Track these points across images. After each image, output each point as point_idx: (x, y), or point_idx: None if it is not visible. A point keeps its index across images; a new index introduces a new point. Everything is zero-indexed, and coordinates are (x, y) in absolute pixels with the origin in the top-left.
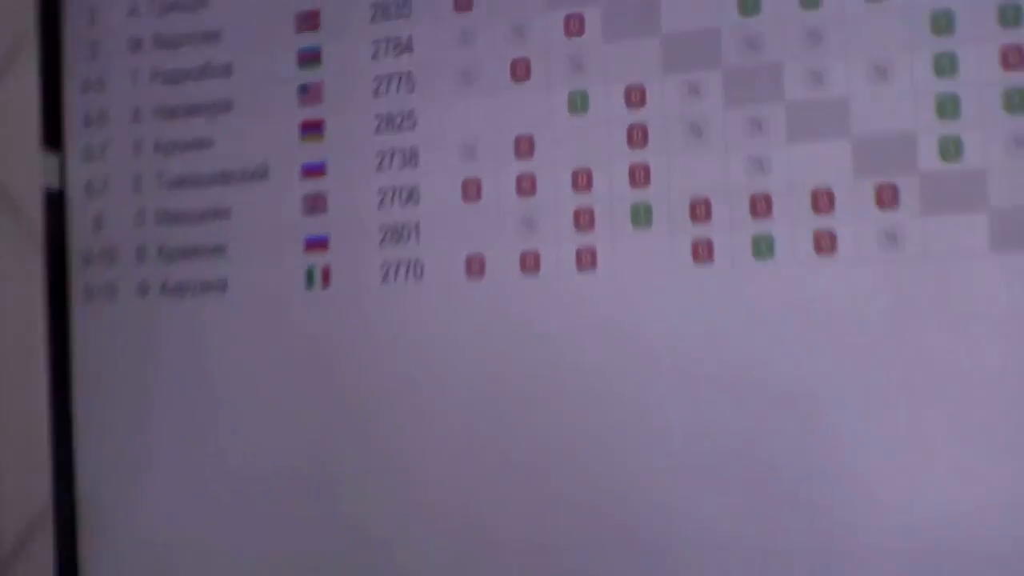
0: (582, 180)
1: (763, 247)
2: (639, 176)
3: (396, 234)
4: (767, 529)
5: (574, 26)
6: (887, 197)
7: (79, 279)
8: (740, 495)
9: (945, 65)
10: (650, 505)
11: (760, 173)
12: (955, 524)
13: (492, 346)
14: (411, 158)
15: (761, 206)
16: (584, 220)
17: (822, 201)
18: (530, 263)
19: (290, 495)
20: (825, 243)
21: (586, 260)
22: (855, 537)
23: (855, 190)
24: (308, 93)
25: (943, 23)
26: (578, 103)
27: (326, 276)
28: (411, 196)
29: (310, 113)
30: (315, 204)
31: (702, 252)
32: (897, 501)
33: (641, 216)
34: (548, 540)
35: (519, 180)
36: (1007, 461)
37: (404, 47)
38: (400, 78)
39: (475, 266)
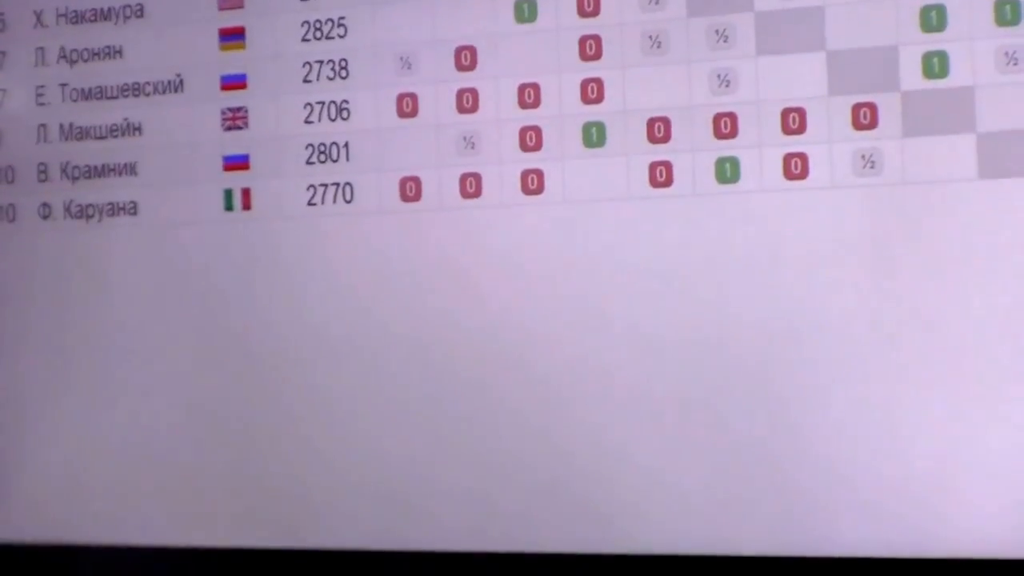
0: (529, 96)
1: (727, 170)
2: (592, 92)
3: (324, 153)
4: (728, 482)
5: None
6: (865, 117)
7: None
8: (700, 442)
9: None
10: (598, 453)
11: (725, 90)
12: (925, 479)
13: (428, 276)
14: (341, 69)
15: (726, 126)
16: (531, 139)
17: (793, 121)
18: (471, 186)
19: (203, 436)
20: (795, 167)
21: (532, 183)
22: (818, 490)
23: (830, 109)
24: None
25: None
26: (525, 11)
27: (246, 198)
28: (341, 111)
29: (230, 19)
30: (235, 120)
31: (660, 175)
32: (864, 453)
33: (593, 136)
34: (488, 489)
35: (460, 95)
36: (985, 412)
37: None
38: None
39: (410, 189)
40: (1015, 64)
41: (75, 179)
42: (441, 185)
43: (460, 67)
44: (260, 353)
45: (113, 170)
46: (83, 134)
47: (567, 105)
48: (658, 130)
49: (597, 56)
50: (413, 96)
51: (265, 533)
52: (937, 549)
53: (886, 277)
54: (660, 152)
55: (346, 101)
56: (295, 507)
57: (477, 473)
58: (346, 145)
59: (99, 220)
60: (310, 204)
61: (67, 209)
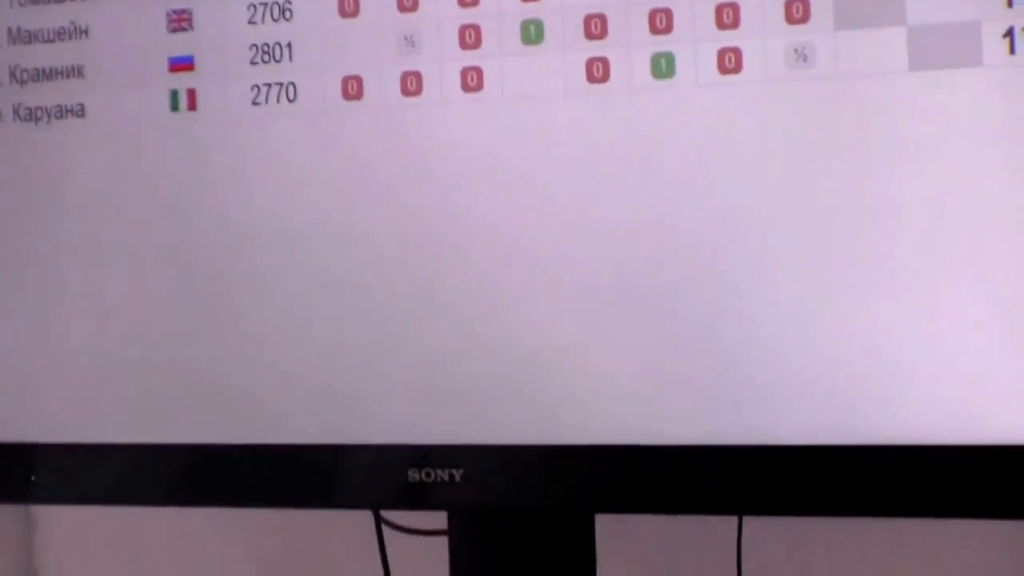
0: None
1: (663, 66)
2: None
3: (268, 53)
4: (670, 372)
5: None
6: (797, 11)
7: None
8: (642, 333)
9: None
10: (542, 343)
11: None
12: (862, 362)
13: (370, 173)
14: None
15: (661, 21)
16: (470, 37)
17: (727, 15)
18: (411, 84)
19: (153, 334)
20: (730, 61)
21: (472, 81)
22: (757, 379)
23: (763, 3)
24: None
25: None
26: None
27: (192, 99)
28: (284, 12)
29: None
30: (180, 21)
31: (597, 71)
32: (800, 343)
33: (532, 33)
34: (431, 380)
35: None
36: (920, 300)
37: None
38: None
39: (352, 88)
40: None
41: (24, 82)
42: (382, 84)
43: None
44: (206, 249)
45: (61, 73)
46: (31, 37)
47: (506, 3)
48: (595, 26)
49: None
50: None
51: (212, 429)
52: (876, 436)
53: (819, 169)
54: (597, 48)
55: (289, 2)
56: (244, 402)
57: (419, 365)
58: (289, 45)
59: (48, 123)
60: (254, 104)
61: (16, 112)
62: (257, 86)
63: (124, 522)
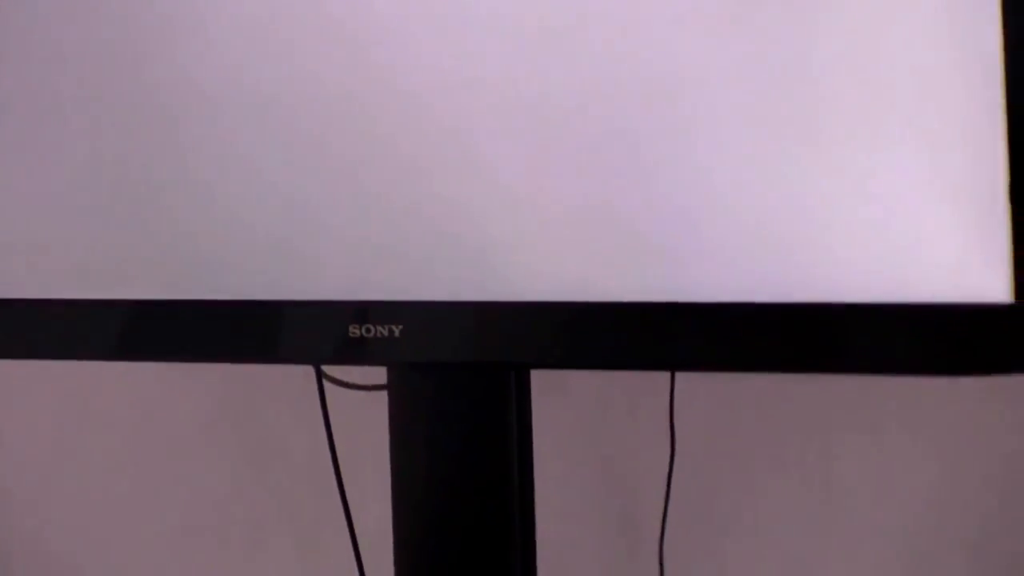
0: None
1: None
2: None
3: None
4: (592, 233)
5: None
6: None
7: None
8: (575, 189)
9: None
10: (467, 209)
11: None
12: (795, 221)
13: (327, 28)
14: None
15: None
16: None
17: None
18: None
19: (99, 188)
20: None
21: None
22: (689, 231)
23: None
24: None
25: None
26: None
27: None
28: None
29: None
30: None
31: None
32: (733, 202)
33: None
34: (366, 243)
35: None
36: (840, 160)
37: None
38: None
39: None
40: None
41: None
42: None
43: None
44: (157, 104)
45: None
46: None
47: None
48: None
49: None
50: None
51: (157, 285)
52: (806, 294)
53: (750, 26)
54: None
55: None
56: (189, 259)
57: (358, 222)
58: None
59: None
60: None
61: None
62: None
63: (71, 377)
